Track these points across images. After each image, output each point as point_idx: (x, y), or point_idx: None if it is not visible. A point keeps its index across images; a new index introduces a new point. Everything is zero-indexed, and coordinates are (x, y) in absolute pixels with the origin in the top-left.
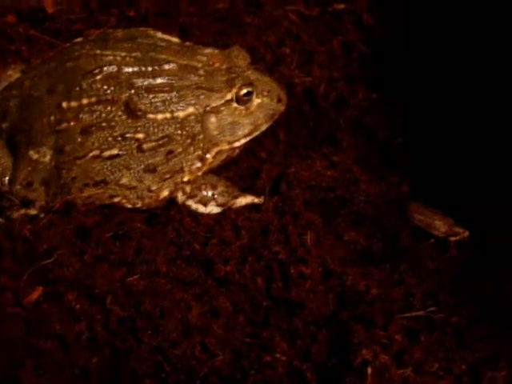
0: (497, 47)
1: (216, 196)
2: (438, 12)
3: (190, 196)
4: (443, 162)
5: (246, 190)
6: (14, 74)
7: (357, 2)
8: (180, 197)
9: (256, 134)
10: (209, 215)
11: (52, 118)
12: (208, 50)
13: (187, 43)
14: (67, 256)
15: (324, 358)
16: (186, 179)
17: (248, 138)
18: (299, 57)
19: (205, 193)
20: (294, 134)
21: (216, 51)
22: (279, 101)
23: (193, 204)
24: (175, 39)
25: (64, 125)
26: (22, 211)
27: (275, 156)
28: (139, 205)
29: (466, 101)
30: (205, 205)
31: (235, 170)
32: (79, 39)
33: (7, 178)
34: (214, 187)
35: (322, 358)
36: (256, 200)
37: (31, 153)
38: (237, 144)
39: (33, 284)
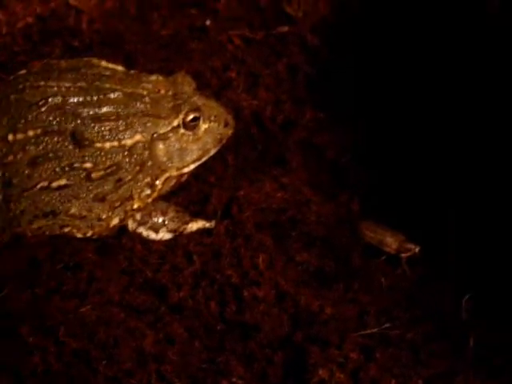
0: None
1: (167, 222)
2: (382, 29)
3: (141, 223)
4: (392, 179)
5: (196, 215)
6: None
7: (300, 24)
8: (131, 224)
9: (205, 158)
10: (160, 242)
11: (1, 150)
12: (153, 77)
13: (132, 71)
14: (18, 289)
15: (281, 379)
16: (135, 206)
17: (197, 163)
18: (245, 80)
19: (155, 219)
20: (243, 158)
21: (161, 78)
22: (226, 125)
23: (144, 231)
24: (120, 68)
25: (10, 157)
26: None
27: (224, 180)
28: (89, 234)
29: (412, 116)
30: (156, 231)
31: (185, 196)
32: (23, 71)
33: None
34: (164, 213)
35: (278, 380)
36: (207, 224)
37: None
38: (186, 170)
39: None
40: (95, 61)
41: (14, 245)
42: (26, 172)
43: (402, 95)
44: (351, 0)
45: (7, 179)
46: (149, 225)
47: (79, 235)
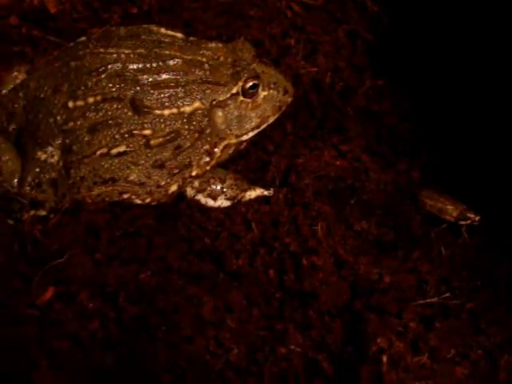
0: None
1: (225, 190)
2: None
3: (199, 190)
4: (453, 147)
5: (255, 183)
6: (19, 76)
7: None
8: (189, 192)
9: (263, 126)
10: (218, 209)
11: (58, 118)
12: (212, 44)
13: (191, 38)
14: (78, 255)
15: (339, 348)
16: (194, 174)
17: (256, 131)
18: (304, 47)
19: (214, 186)
20: (302, 125)
21: (220, 45)
22: (285, 92)
23: (202, 198)
24: (179, 34)
25: (71, 124)
26: (32, 213)
27: (283, 148)
28: (148, 200)
29: (475, 85)
30: (214, 199)
31: (243, 164)
32: (82, 38)
33: (16, 180)
34: (222, 181)
35: (337, 348)
36: (265, 192)
37: (39, 154)
38: (245, 137)
39: (45, 285)
40: (154, 28)
41: (73, 211)
42: (86, 139)
43: (461, 62)
44: None
45: (67, 146)
46: (207, 192)
47: (138, 201)
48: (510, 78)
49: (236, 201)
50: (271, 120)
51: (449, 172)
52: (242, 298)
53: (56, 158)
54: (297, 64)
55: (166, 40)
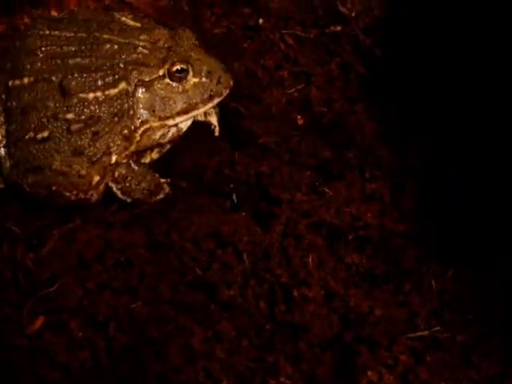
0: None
1: (136, 191)
2: (434, 31)
3: (116, 181)
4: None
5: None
6: None
7: (353, 24)
8: (111, 184)
9: (193, 113)
10: (210, 240)
11: (3, 96)
12: (156, 30)
13: (146, 26)
14: (70, 284)
15: (330, 380)
16: (113, 161)
17: (184, 117)
18: (297, 79)
19: (128, 185)
20: (299, 154)
21: (164, 31)
22: (219, 82)
23: (115, 188)
24: (137, 24)
25: (9, 104)
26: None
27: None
28: (75, 193)
29: (469, 124)
30: (123, 194)
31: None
32: (42, 20)
33: None
34: (138, 183)
35: (327, 381)
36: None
37: None
38: (171, 122)
39: (35, 313)
40: (117, 15)
41: (65, 240)
42: (19, 120)
43: (456, 97)
44: (404, 1)
45: (6, 126)
46: (121, 186)
47: (68, 194)
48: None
49: (138, 203)
50: (202, 109)
51: (439, 213)
52: (232, 328)
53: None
54: (290, 95)
55: (114, 26)
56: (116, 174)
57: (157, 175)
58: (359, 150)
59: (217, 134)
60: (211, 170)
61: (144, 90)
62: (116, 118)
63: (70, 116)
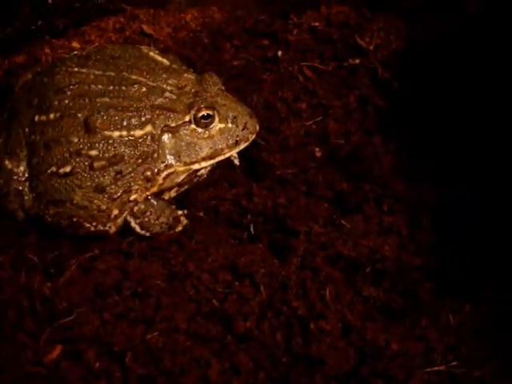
0: None
1: (154, 225)
2: (453, 66)
3: (134, 216)
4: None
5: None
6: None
7: (372, 57)
8: (129, 218)
9: (218, 159)
10: (226, 271)
11: (26, 130)
12: (184, 74)
13: (174, 66)
14: (87, 314)
15: None
16: (132, 198)
17: (209, 162)
18: (315, 111)
19: (146, 220)
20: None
21: (192, 76)
22: (245, 128)
23: (132, 222)
24: (165, 61)
25: (32, 137)
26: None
27: (294, 211)
28: (95, 224)
29: (488, 153)
30: (142, 229)
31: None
32: (74, 53)
33: None
34: (157, 217)
35: None
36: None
37: (6, 162)
38: (196, 166)
39: (53, 342)
40: (145, 49)
41: (83, 269)
42: (42, 154)
43: (474, 131)
44: (422, 35)
45: (29, 159)
46: (139, 221)
47: (87, 225)
48: None
49: (158, 237)
50: (227, 154)
51: (455, 247)
52: (248, 360)
53: (21, 168)
54: (308, 127)
55: (143, 65)
56: (135, 208)
57: (174, 207)
58: (376, 182)
59: (237, 163)
60: (229, 201)
61: (170, 135)
62: (140, 160)
63: (93, 153)
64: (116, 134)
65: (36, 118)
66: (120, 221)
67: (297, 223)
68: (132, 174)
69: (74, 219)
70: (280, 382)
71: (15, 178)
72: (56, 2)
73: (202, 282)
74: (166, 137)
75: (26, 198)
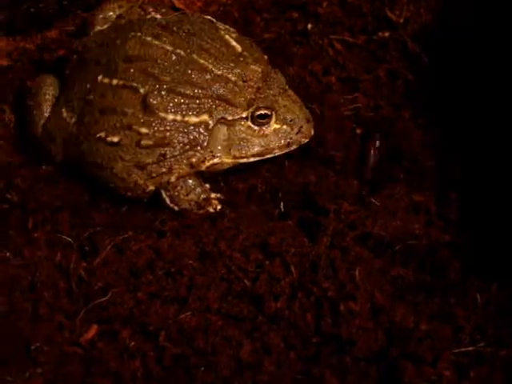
0: None
1: (183, 201)
2: (482, 40)
3: (165, 187)
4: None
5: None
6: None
7: (402, 30)
8: (163, 192)
9: (267, 156)
10: (257, 250)
11: (88, 86)
12: (252, 66)
13: (245, 53)
14: (121, 294)
15: None
16: (172, 180)
17: (257, 159)
18: (345, 85)
19: (176, 194)
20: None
21: (258, 68)
22: (299, 132)
23: (163, 193)
24: (238, 46)
25: (91, 96)
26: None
27: (323, 188)
28: (129, 194)
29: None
30: (171, 201)
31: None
32: (157, 16)
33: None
34: (187, 193)
35: None
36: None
37: (63, 110)
38: (243, 161)
39: (88, 322)
40: (222, 31)
41: (117, 250)
42: (95, 117)
43: (505, 107)
44: (452, 8)
45: (82, 116)
46: (169, 193)
47: (122, 192)
48: None
49: (186, 213)
50: (277, 153)
51: (484, 225)
52: (279, 340)
53: (73, 120)
54: (337, 101)
55: (213, 48)
56: (170, 183)
57: (208, 187)
58: (405, 159)
59: None
60: (260, 178)
61: (224, 127)
62: (187, 146)
63: (143, 130)
64: (170, 116)
65: (99, 78)
66: (152, 192)
67: (326, 201)
68: (177, 158)
69: (111, 185)
70: (310, 362)
71: (66, 127)
72: None
73: (234, 261)
74: (220, 128)
75: (71, 149)
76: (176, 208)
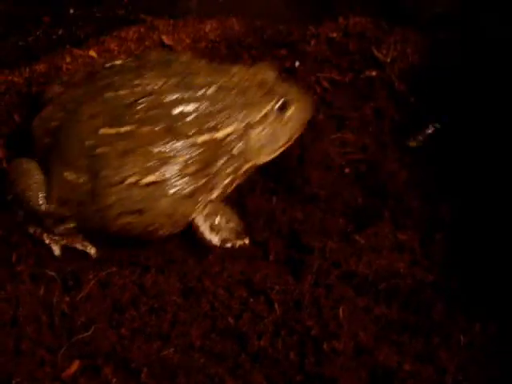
0: None
1: (224, 229)
2: (469, 80)
3: (206, 217)
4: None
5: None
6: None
7: (388, 69)
8: (198, 218)
9: (289, 144)
10: (242, 288)
11: (90, 141)
12: (236, 68)
13: (214, 64)
14: (104, 329)
15: None
16: (214, 196)
17: (283, 149)
18: (332, 123)
19: (218, 220)
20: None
21: (244, 68)
22: (307, 110)
23: (202, 224)
24: (203, 61)
25: (100, 150)
26: (62, 227)
27: (309, 226)
28: (170, 230)
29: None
30: (212, 231)
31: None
32: (118, 62)
33: (42, 196)
34: (228, 221)
35: None
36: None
37: (66, 174)
38: (273, 155)
39: (71, 358)
40: (181, 54)
41: (101, 285)
42: (114, 166)
43: (490, 147)
44: (439, 48)
45: (95, 171)
46: (210, 221)
47: (161, 232)
48: None
49: (223, 244)
50: (296, 136)
51: (468, 265)
52: (262, 379)
53: (82, 179)
54: (326, 138)
55: (194, 68)
56: (207, 210)
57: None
58: (391, 198)
59: None
60: (247, 214)
61: (254, 130)
62: (225, 158)
63: (181, 159)
64: (201, 138)
65: (101, 130)
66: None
67: (312, 239)
68: (219, 175)
69: (151, 228)
70: None
71: (77, 188)
72: (77, 12)
73: (218, 297)
74: (250, 132)
75: (88, 208)
76: (215, 239)
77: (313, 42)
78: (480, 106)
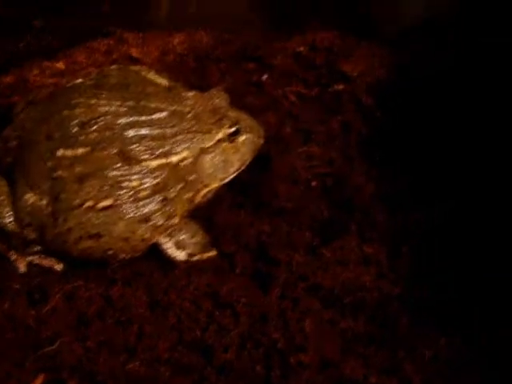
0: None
1: (190, 245)
2: (434, 93)
3: (170, 236)
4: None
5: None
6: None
7: (355, 83)
8: (162, 238)
9: (242, 168)
10: (209, 301)
11: (49, 163)
12: (191, 94)
13: (172, 84)
14: (70, 342)
15: None
16: (176, 222)
17: (235, 174)
18: (298, 136)
19: (183, 237)
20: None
21: (199, 94)
22: (259, 136)
23: (167, 243)
24: (164, 81)
25: (59, 173)
26: (29, 249)
27: (276, 239)
28: (130, 254)
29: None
30: (178, 248)
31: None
32: (79, 81)
33: (8, 214)
34: (192, 236)
35: None
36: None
37: (28, 196)
38: (226, 181)
39: (36, 371)
40: (143, 72)
41: (66, 298)
42: (73, 189)
43: (456, 161)
44: (405, 62)
45: (56, 194)
46: (175, 239)
47: (122, 256)
48: None
49: (190, 259)
50: (248, 162)
51: (434, 279)
52: None
53: (44, 202)
54: (292, 152)
55: (151, 91)
56: (170, 230)
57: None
58: (357, 211)
59: None
60: (214, 228)
61: (206, 156)
62: (182, 184)
63: (134, 184)
64: (154, 163)
65: (59, 152)
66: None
67: (278, 252)
68: (176, 199)
69: (110, 252)
70: None
71: (38, 211)
72: (45, 23)
73: (184, 310)
74: (203, 157)
75: (49, 232)
76: (182, 254)
77: (280, 56)
78: (446, 118)
